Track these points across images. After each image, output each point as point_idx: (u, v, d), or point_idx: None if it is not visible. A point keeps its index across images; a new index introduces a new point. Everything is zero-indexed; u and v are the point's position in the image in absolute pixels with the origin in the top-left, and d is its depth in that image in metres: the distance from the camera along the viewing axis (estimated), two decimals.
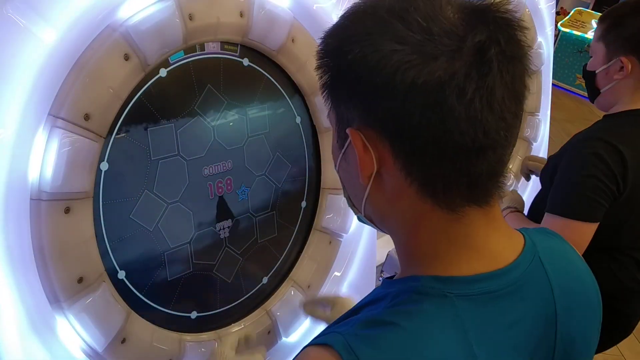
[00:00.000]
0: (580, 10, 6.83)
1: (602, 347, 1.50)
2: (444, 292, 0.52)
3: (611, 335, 1.48)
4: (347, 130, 0.53)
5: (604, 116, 1.38)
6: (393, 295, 0.54)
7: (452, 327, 0.51)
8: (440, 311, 0.51)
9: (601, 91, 1.35)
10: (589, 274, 0.65)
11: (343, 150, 0.57)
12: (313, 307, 1.06)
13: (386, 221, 0.58)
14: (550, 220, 1.25)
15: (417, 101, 0.47)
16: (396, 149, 0.51)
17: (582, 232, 1.22)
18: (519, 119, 0.52)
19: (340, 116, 0.55)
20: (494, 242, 0.56)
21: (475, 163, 0.50)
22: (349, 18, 0.53)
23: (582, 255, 1.26)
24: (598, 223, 1.22)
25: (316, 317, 1.06)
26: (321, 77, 0.56)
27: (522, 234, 0.60)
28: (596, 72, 1.34)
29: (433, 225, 0.54)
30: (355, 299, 1.01)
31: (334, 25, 0.55)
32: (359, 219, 0.63)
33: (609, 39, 1.30)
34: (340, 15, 0.55)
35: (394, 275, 0.62)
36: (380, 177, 0.53)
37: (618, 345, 2.78)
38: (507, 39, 0.48)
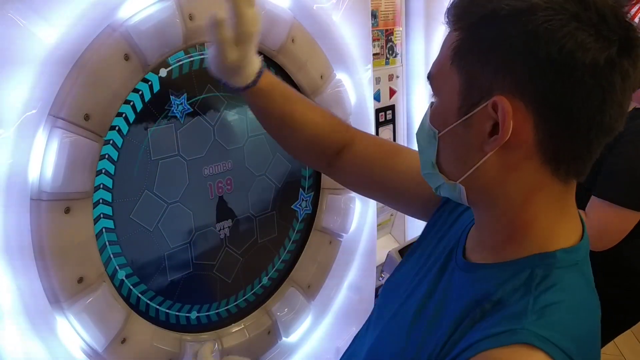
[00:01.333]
0: None
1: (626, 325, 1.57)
2: (574, 261, 0.58)
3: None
4: (495, 98, 0.53)
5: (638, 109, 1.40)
6: (535, 276, 0.56)
7: (588, 287, 0.58)
8: (578, 278, 0.57)
9: None
10: None
11: (468, 116, 0.56)
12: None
13: (492, 190, 0.59)
14: (598, 205, 1.29)
15: (589, 81, 0.50)
16: (542, 124, 0.53)
17: (632, 221, 1.30)
18: None
19: (476, 83, 0.55)
20: (575, 210, 0.62)
21: (602, 144, 0.55)
22: None
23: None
24: None
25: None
26: (457, 40, 0.56)
27: None
28: None
29: (548, 195, 0.57)
30: None
31: None
32: (440, 189, 0.64)
33: None
34: None
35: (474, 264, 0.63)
36: (506, 145, 0.54)
37: (618, 345, 2.78)
38: None
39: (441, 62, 0.59)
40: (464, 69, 0.56)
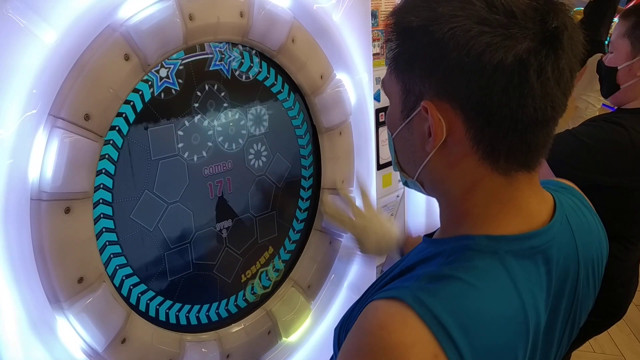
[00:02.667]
0: (581, 11, 6.82)
1: (598, 329, 1.59)
2: (495, 249, 0.58)
3: (609, 315, 1.56)
4: (423, 103, 0.57)
5: (622, 110, 1.40)
6: (448, 252, 0.59)
7: (504, 278, 0.57)
8: (493, 265, 0.57)
9: (621, 87, 1.38)
10: (597, 222, 0.73)
11: (408, 120, 0.61)
12: (336, 208, 1.15)
13: (440, 184, 0.63)
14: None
15: (501, 80, 0.52)
16: (470, 121, 0.56)
17: None
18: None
19: (410, 88, 0.60)
20: (534, 203, 0.62)
21: (539, 134, 0.57)
22: None
23: None
24: None
25: (339, 221, 1.14)
26: (393, 50, 0.61)
27: (551, 194, 0.67)
28: (618, 68, 1.36)
29: (488, 188, 0.60)
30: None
31: (413, 3, 0.58)
32: (406, 184, 0.70)
33: (635, 35, 1.33)
34: None
35: (432, 234, 0.69)
36: (445, 144, 0.58)
37: (618, 345, 2.79)
38: (571, 24, 0.55)
39: (387, 70, 0.65)
40: (400, 76, 0.61)
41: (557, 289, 0.63)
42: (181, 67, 0.91)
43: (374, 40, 1.38)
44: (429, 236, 0.69)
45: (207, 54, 0.94)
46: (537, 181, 0.63)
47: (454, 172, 0.60)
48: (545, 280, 0.61)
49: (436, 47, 0.54)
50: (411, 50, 0.58)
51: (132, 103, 0.84)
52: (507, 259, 0.57)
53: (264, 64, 1.04)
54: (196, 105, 0.94)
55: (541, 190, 0.65)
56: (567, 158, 1.30)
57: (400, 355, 0.50)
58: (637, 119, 1.35)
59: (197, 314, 1.01)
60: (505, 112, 0.54)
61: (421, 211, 1.65)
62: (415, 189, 0.69)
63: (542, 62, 0.52)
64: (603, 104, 1.45)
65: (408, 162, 0.66)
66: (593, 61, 2.51)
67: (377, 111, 1.45)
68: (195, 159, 0.95)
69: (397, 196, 1.62)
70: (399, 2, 0.62)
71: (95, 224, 0.82)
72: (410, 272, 0.61)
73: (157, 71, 0.87)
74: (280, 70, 1.07)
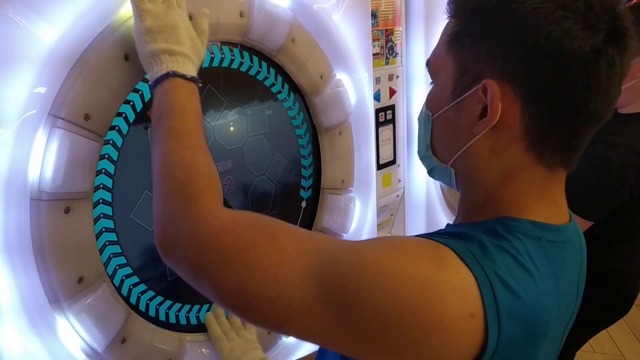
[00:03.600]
0: None
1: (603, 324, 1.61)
2: (539, 236, 0.57)
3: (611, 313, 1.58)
4: (485, 81, 0.55)
5: (621, 114, 1.41)
6: (493, 230, 0.57)
7: (545, 263, 0.56)
8: (537, 251, 0.56)
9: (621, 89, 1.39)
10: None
11: (460, 99, 0.59)
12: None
13: (476, 171, 0.61)
14: None
15: (575, 67, 0.52)
16: (528, 107, 0.55)
17: (581, 227, 1.31)
18: None
19: (469, 67, 0.58)
20: (563, 200, 0.63)
21: (589, 132, 0.58)
22: None
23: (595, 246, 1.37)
24: (592, 223, 1.31)
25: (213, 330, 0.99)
26: (456, 26, 0.59)
27: None
28: None
29: (529, 178, 0.59)
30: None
31: None
32: (431, 172, 0.68)
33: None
34: None
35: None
36: (494, 128, 0.57)
37: (618, 345, 2.79)
38: (632, 27, 0.55)
39: (439, 48, 0.63)
40: (458, 54, 0.59)
41: (572, 285, 0.63)
42: None
43: (374, 40, 1.38)
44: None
45: (207, 54, 0.94)
46: (564, 180, 0.63)
47: (496, 159, 0.59)
48: (567, 274, 0.61)
49: (514, 25, 0.53)
50: (482, 27, 0.56)
51: (132, 103, 0.84)
52: (547, 247, 0.58)
53: (264, 64, 1.04)
54: None
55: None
56: None
57: (442, 294, 0.49)
58: (636, 130, 1.34)
59: (197, 314, 1.01)
60: (569, 102, 0.54)
61: (421, 211, 1.65)
62: (441, 179, 0.67)
63: (614, 57, 0.53)
64: None
65: (446, 146, 0.64)
66: None
67: (377, 111, 1.45)
68: None
69: (397, 196, 1.62)
70: None
71: (95, 224, 0.82)
72: (454, 236, 0.58)
73: None
74: (280, 70, 1.07)
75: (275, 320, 0.54)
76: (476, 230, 0.57)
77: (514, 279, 0.52)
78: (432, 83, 0.66)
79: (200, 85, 0.75)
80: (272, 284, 0.53)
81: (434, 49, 0.65)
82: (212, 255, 0.57)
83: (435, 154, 0.66)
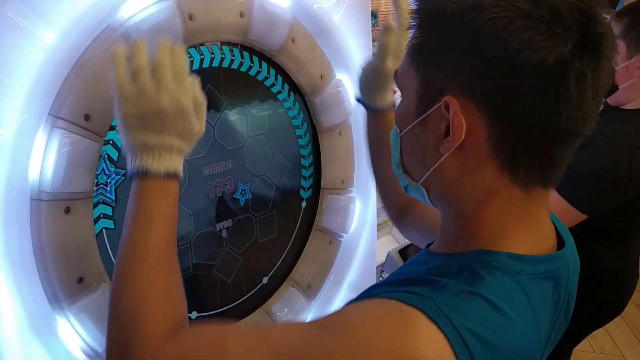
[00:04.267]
0: None
1: (596, 324, 1.60)
2: (517, 270, 0.53)
3: (606, 311, 1.58)
4: (446, 98, 0.52)
5: (622, 110, 1.41)
6: (468, 267, 0.53)
7: (525, 304, 0.53)
8: (515, 289, 0.52)
9: (619, 87, 1.39)
10: (577, 254, 0.68)
11: (424, 116, 0.55)
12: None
13: (449, 192, 0.57)
14: (553, 195, 1.33)
15: (538, 82, 0.48)
16: (494, 125, 0.51)
17: (575, 219, 1.31)
18: None
19: (431, 82, 0.54)
20: (547, 224, 0.59)
21: (564, 148, 0.53)
22: None
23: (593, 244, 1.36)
24: (586, 216, 1.32)
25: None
26: (416, 39, 0.55)
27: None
28: (616, 69, 1.38)
29: (505, 200, 0.54)
30: None
31: None
32: (406, 189, 0.64)
33: (630, 36, 1.34)
34: None
35: (430, 244, 0.63)
36: (461, 147, 0.53)
37: (618, 345, 2.79)
38: (611, 35, 0.50)
39: (403, 60, 0.59)
40: (420, 68, 0.55)
41: (553, 312, 0.60)
42: None
43: (374, 40, 1.38)
44: (428, 247, 0.63)
45: (207, 54, 0.94)
46: (547, 202, 0.58)
47: (467, 179, 0.55)
48: (553, 307, 0.58)
49: (471, 37, 0.49)
50: (440, 39, 0.53)
51: None
52: (527, 281, 0.53)
53: (264, 64, 1.04)
54: None
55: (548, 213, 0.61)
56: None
57: None
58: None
59: (197, 314, 1.01)
60: (536, 119, 0.49)
61: None
62: (416, 196, 0.63)
63: (583, 68, 0.48)
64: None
65: (415, 164, 0.60)
66: None
67: None
68: (195, 159, 0.95)
69: None
70: None
71: (95, 224, 0.82)
72: (429, 284, 0.54)
73: None
74: (280, 70, 1.07)
75: None
76: (451, 269, 0.54)
77: (490, 328, 0.49)
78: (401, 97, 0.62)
79: (181, 178, 0.67)
80: None
81: (402, 61, 0.60)
82: None
83: (407, 172, 0.62)
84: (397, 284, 0.57)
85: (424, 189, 0.60)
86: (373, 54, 0.92)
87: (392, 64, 0.89)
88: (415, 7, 0.56)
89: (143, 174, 0.63)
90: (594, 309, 1.49)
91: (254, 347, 0.53)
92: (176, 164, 0.66)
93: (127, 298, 0.60)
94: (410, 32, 0.56)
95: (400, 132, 0.60)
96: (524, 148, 0.52)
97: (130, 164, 0.64)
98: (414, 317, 0.47)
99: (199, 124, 0.70)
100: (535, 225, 0.57)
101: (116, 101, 0.65)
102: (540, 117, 0.49)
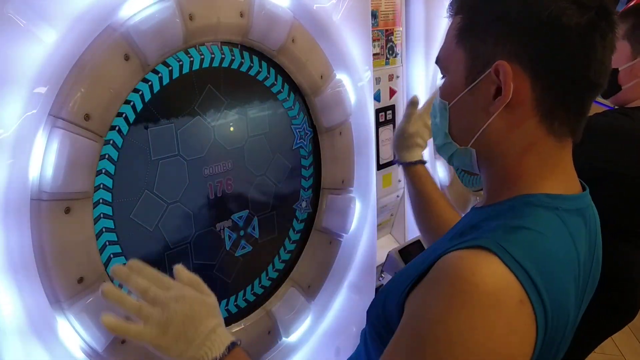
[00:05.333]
0: None
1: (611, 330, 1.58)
2: (555, 206, 0.63)
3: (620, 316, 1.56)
4: (496, 64, 0.62)
5: (628, 108, 1.42)
6: (512, 209, 0.64)
7: (564, 231, 0.63)
8: (555, 219, 0.63)
9: (623, 87, 1.40)
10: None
11: (474, 84, 0.65)
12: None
13: (495, 148, 0.67)
14: None
15: (575, 40, 0.60)
16: (537, 82, 0.62)
17: None
18: None
19: (479, 53, 0.65)
20: (572, 171, 0.69)
21: (590, 100, 0.65)
22: None
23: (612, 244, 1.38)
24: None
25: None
26: (462, 21, 0.66)
27: None
28: (619, 69, 1.38)
29: (542, 150, 0.65)
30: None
31: None
32: (453, 157, 0.73)
33: (635, 36, 1.34)
34: None
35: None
36: (508, 106, 0.63)
37: (618, 345, 2.79)
38: (614, 9, 0.62)
39: (447, 44, 0.69)
40: (468, 44, 0.66)
41: (588, 249, 0.68)
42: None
43: (374, 40, 1.38)
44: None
45: (207, 53, 0.94)
46: (571, 149, 0.68)
47: (512, 135, 0.65)
48: (587, 243, 0.67)
49: (520, 9, 0.61)
50: (490, 15, 0.63)
51: (132, 103, 0.84)
52: (564, 215, 0.63)
53: (264, 64, 1.04)
54: (196, 105, 0.94)
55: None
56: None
57: (496, 301, 0.53)
58: None
59: None
60: (571, 73, 0.61)
61: None
62: (464, 163, 0.71)
63: (606, 30, 0.60)
64: (602, 105, 1.46)
65: (465, 129, 0.69)
66: None
67: (377, 111, 1.45)
68: (195, 159, 0.95)
69: (397, 196, 1.62)
70: None
71: (95, 224, 0.82)
72: (476, 230, 0.63)
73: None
74: (280, 70, 1.07)
75: None
76: (497, 213, 0.64)
77: (541, 253, 0.58)
78: (443, 77, 0.72)
79: (239, 342, 0.71)
80: None
81: (442, 47, 0.71)
82: None
83: (455, 140, 0.71)
84: (452, 238, 0.66)
85: (474, 151, 0.69)
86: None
87: (413, 127, 1.13)
88: None
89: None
90: (605, 314, 1.48)
91: None
92: (225, 338, 0.69)
93: None
94: (458, 17, 0.68)
95: (449, 103, 0.70)
96: (562, 100, 0.63)
97: None
98: (475, 256, 0.56)
99: (209, 297, 0.74)
100: (566, 170, 0.68)
101: (148, 347, 0.68)
102: (575, 71, 0.61)
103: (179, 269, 0.74)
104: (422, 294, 0.60)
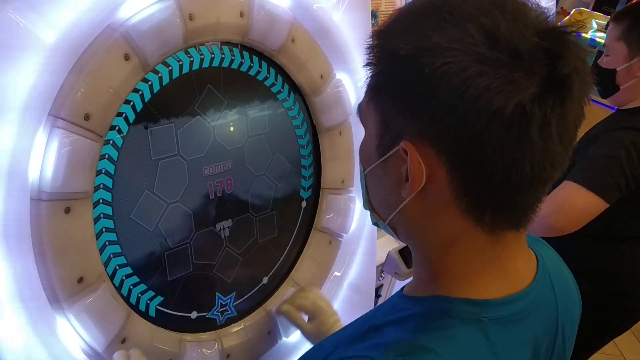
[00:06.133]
0: (581, 10, 6.83)
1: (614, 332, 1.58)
2: (478, 317, 0.51)
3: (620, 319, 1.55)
4: (402, 144, 0.50)
5: (624, 110, 1.42)
6: (421, 315, 0.53)
7: (487, 352, 0.50)
8: (474, 337, 0.50)
9: (621, 88, 1.40)
10: (572, 278, 0.68)
11: (384, 158, 0.53)
12: (290, 309, 1.06)
13: (415, 234, 0.57)
14: (567, 186, 1.31)
15: (498, 131, 0.45)
16: (455, 171, 0.48)
17: (592, 205, 1.29)
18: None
19: (389, 122, 0.52)
20: (520, 263, 0.56)
21: (531, 194, 0.50)
22: (426, 19, 0.48)
23: (605, 245, 1.38)
24: (607, 205, 1.29)
25: (292, 320, 1.06)
26: (374, 76, 0.53)
27: (532, 249, 0.61)
28: (617, 69, 1.39)
29: (470, 245, 0.52)
30: (332, 306, 1.07)
31: (403, 22, 0.50)
32: (377, 225, 0.62)
33: (631, 37, 1.35)
34: (408, 9, 0.51)
35: (395, 272, 0.63)
36: (424, 191, 0.51)
37: (618, 345, 2.79)
38: (583, 69, 0.46)
39: (364, 96, 0.56)
40: (379, 107, 0.53)
41: (536, 353, 0.58)
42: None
43: None
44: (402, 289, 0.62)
45: (207, 53, 0.94)
46: (524, 239, 0.57)
47: (431, 223, 0.53)
48: (529, 347, 0.56)
49: (425, 82, 0.46)
50: (395, 80, 0.50)
51: (132, 103, 0.84)
52: (490, 328, 0.51)
53: (264, 64, 1.04)
54: (196, 105, 0.94)
55: (527, 249, 0.59)
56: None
57: None
58: None
59: (197, 314, 1.01)
60: (497, 167, 0.46)
61: None
62: (387, 233, 0.61)
63: (547, 115, 0.44)
64: (602, 104, 1.46)
65: (381, 204, 0.58)
66: None
67: None
68: (195, 159, 0.95)
69: None
70: (387, 20, 0.53)
71: (95, 223, 0.82)
72: (378, 335, 0.54)
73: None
74: (280, 70, 1.07)
75: None
76: (409, 316, 0.54)
77: None
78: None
79: None
80: None
81: (363, 95, 0.57)
82: None
83: (374, 210, 0.60)
84: (353, 340, 0.57)
85: (390, 230, 0.59)
86: None
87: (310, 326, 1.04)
88: (370, 43, 0.52)
89: None
90: (613, 317, 1.48)
91: None
92: None
93: None
94: (367, 69, 0.53)
95: (365, 170, 0.58)
96: (488, 195, 0.49)
97: None
98: None
99: None
100: (506, 267, 0.54)
101: None
102: (502, 165, 0.46)
103: None
104: None
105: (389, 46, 0.50)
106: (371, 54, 0.52)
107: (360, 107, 0.57)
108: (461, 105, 0.45)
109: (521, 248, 0.56)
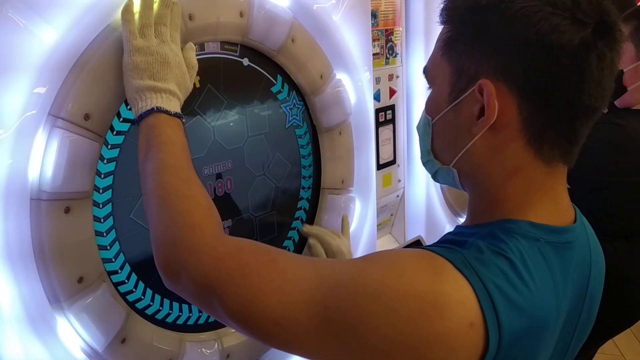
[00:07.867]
0: None
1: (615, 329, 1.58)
2: (537, 237, 0.58)
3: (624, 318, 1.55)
4: (481, 81, 0.57)
5: (630, 110, 1.42)
6: (491, 233, 0.58)
7: (543, 265, 0.57)
8: (534, 252, 0.57)
9: (629, 89, 1.40)
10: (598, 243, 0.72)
11: (458, 101, 0.61)
12: (320, 232, 1.12)
13: (479, 170, 0.62)
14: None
15: (565, 61, 0.54)
16: (524, 104, 0.56)
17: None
18: None
19: (464, 69, 0.59)
20: (566, 199, 0.64)
21: (585, 124, 0.59)
22: None
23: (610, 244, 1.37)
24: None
25: (318, 238, 1.11)
26: (449, 32, 0.61)
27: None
28: (624, 70, 1.38)
29: (529, 175, 0.60)
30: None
31: None
32: (435, 175, 0.69)
33: (639, 38, 1.34)
34: None
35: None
36: (493, 127, 0.58)
37: (618, 345, 2.79)
38: (619, 27, 0.57)
39: (434, 54, 0.65)
40: (453, 58, 0.61)
41: (577, 287, 0.64)
42: None
43: (374, 40, 1.38)
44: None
45: (207, 53, 0.94)
46: (565, 178, 0.63)
47: (496, 157, 0.60)
48: (571, 275, 0.62)
49: (505, 24, 0.55)
50: (475, 29, 0.58)
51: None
52: (546, 248, 0.58)
53: (265, 65, 1.04)
54: (196, 105, 0.94)
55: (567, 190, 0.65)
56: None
57: (442, 306, 0.50)
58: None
59: (197, 314, 1.01)
60: (562, 96, 0.55)
61: (421, 211, 1.65)
62: (444, 181, 0.68)
63: (603, 49, 0.54)
64: None
65: (447, 148, 0.65)
66: None
67: (377, 111, 1.45)
68: (195, 158, 0.95)
69: (397, 196, 1.62)
70: None
71: (103, 222, 0.82)
72: (455, 244, 0.59)
73: None
74: (280, 70, 1.07)
75: (281, 340, 0.57)
76: (477, 235, 0.59)
77: (510, 283, 0.53)
78: (429, 89, 0.68)
79: (184, 121, 0.78)
80: (276, 307, 0.55)
81: (430, 56, 0.66)
82: (217, 280, 0.60)
83: (437, 157, 0.67)
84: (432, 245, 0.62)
85: (455, 171, 0.65)
86: None
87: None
88: (445, 4, 0.62)
89: (158, 111, 0.74)
90: (614, 316, 1.47)
91: (301, 264, 0.60)
92: (177, 107, 0.78)
93: (177, 202, 0.67)
94: (443, 27, 0.62)
95: (433, 119, 0.65)
96: (551, 123, 0.57)
97: (140, 105, 0.74)
98: (442, 265, 0.53)
99: (190, 84, 0.82)
100: (556, 199, 0.62)
101: (127, 53, 0.75)
102: (567, 94, 0.55)
103: None
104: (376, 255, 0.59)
105: (470, 1, 0.58)
106: (446, 14, 0.62)
107: (428, 68, 0.66)
108: (537, 40, 0.53)
109: (564, 185, 0.63)
